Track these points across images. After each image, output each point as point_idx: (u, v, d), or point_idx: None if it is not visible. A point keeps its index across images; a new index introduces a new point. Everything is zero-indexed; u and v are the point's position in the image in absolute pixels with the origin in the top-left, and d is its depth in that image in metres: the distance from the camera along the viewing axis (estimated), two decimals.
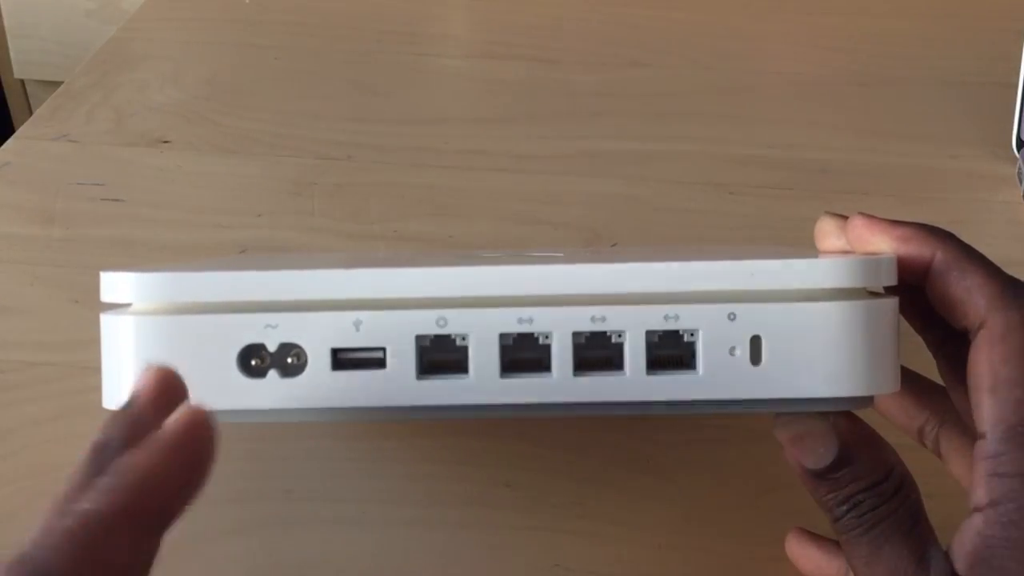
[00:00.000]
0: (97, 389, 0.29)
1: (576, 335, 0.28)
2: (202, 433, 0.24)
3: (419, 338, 0.28)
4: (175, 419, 0.24)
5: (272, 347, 0.28)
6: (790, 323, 0.28)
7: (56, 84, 0.66)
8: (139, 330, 0.28)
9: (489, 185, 0.57)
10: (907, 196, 0.56)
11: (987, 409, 0.28)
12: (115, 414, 0.25)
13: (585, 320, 0.28)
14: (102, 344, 0.29)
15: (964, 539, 0.28)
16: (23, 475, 0.40)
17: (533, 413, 0.29)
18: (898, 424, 0.35)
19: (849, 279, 0.28)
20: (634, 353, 0.28)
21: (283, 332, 0.28)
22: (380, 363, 0.28)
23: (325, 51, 0.69)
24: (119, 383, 0.29)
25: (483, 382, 0.28)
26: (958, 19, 0.72)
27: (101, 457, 0.24)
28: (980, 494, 0.28)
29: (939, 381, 0.33)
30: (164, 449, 0.24)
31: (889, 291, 0.29)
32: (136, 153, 0.58)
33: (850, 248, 0.31)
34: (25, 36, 1.06)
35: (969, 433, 0.29)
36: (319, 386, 0.28)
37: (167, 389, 0.26)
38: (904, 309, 0.30)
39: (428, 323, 0.28)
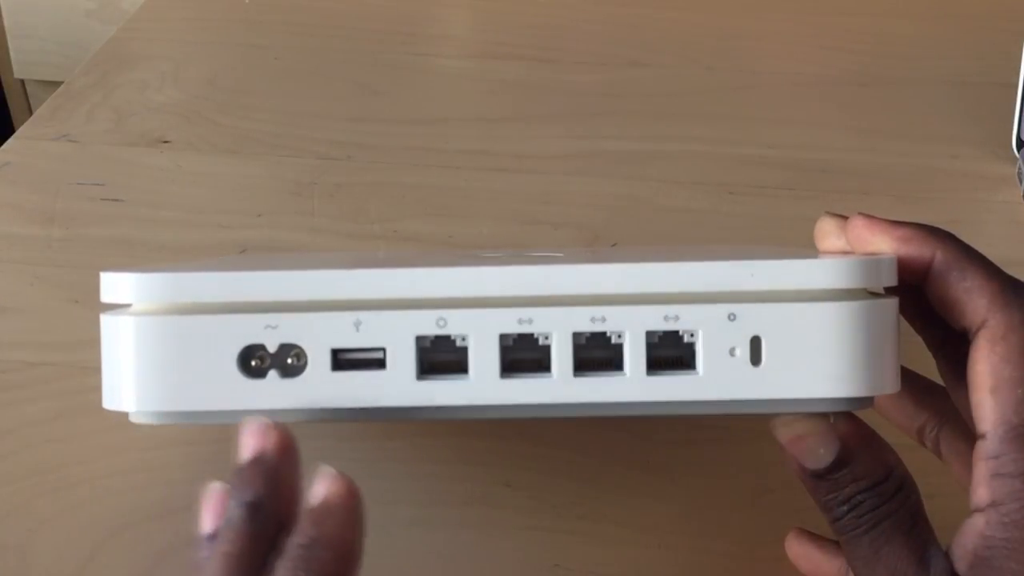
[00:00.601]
0: (97, 389, 0.29)
1: (576, 335, 0.28)
2: (358, 494, 0.27)
3: (419, 338, 0.28)
4: (337, 488, 0.26)
5: (272, 347, 0.28)
6: (790, 323, 0.28)
7: (56, 84, 0.65)
8: (139, 330, 0.28)
9: (489, 185, 0.56)
10: (907, 196, 0.56)
11: (988, 409, 0.28)
12: (254, 472, 0.27)
13: (585, 320, 0.28)
14: (102, 344, 0.29)
15: (964, 539, 0.28)
16: (23, 475, 0.40)
17: (533, 414, 0.29)
18: (898, 424, 0.35)
19: (849, 279, 0.28)
20: (634, 354, 0.28)
21: (283, 332, 0.28)
22: (380, 363, 0.28)
23: (325, 51, 0.69)
24: (119, 383, 0.29)
25: (483, 382, 0.28)
26: (958, 19, 0.72)
27: (262, 518, 0.27)
28: (981, 494, 0.28)
29: (939, 381, 0.33)
30: (347, 522, 0.26)
31: (889, 291, 0.29)
32: (136, 153, 0.58)
33: (850, 248, 0.31)
34: (25, 36, 1.06)
35: (969, 433, 0.29)
36: (319, 386, 0.28)
37: (290, 443, 0.27)
38: (904, 309, 0.30)
39: (428, 323, 0.28)
